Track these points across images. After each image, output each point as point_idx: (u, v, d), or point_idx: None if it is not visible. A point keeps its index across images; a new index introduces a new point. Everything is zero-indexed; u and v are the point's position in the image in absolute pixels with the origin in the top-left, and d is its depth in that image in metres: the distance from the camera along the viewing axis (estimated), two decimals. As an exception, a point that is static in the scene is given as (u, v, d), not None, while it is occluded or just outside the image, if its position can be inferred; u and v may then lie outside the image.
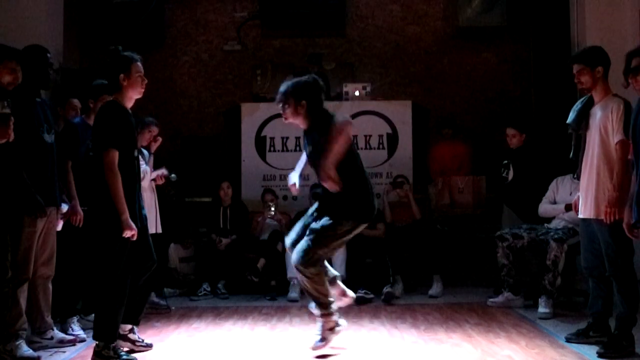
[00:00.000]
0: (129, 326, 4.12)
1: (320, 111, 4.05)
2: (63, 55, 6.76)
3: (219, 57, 8.21)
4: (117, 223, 3.72)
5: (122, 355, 3.83)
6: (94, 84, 4.90)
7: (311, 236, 3.96)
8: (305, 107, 4.01)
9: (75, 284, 4.68)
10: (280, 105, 4.09)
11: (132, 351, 4.05)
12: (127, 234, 3.74)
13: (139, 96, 3.96)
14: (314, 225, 4.01)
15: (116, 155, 3.76)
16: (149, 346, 4.21)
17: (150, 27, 7.68)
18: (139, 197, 4.00)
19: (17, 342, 3.87)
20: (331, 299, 4.09)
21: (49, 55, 4.22)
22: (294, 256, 4.01)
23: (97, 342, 3.80)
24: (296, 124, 4.15)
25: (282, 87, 4.10)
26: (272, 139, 7.18)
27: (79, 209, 4.56)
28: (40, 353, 4.02)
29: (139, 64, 3.92)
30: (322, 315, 4.07)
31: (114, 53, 3.90)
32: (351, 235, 4.07)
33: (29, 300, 4.07)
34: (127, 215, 3.74)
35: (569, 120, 4.23)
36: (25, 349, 3.90)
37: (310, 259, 3.94)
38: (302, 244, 3.99)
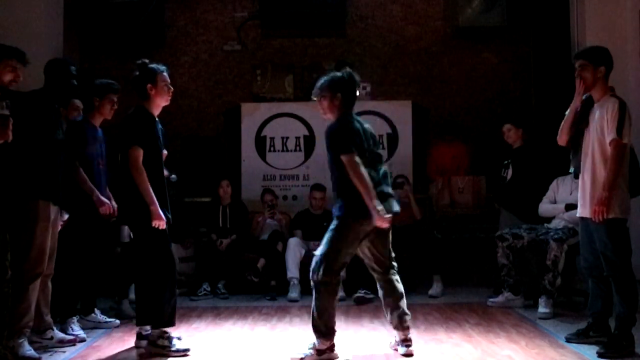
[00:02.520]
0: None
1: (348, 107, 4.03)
2: (63, 55, 6.75)
3: (219, 57, 8.21)
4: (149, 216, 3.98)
5: (173, 346, 4.01)
6: (99, 83, 4.91)
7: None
8: (340, 100, 3.99)
9: (75, 284, 4.68)
10: (317, 99, 4.08)
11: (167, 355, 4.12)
12: (156, 223, 3.99)
13: (166, 103, 4.25)
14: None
15: (140, 153, 4.01)
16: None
17: (150, 27, 7.68)
18: (168, 201, 4.20)
19: (20, 340, 3.87)
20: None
21: (72, 67, 4.35)
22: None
23: (152, 332, 4.01)
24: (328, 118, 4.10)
25: (319, 81, 4.09)
26: (272, 139, 7.18)
27: (103, 198, 4.67)
28: (40, 353, 4.01)
29: (165, 74, 4.21)
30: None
31: (141, 66, 4.16)
32: (357, 237, 3.93)
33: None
34: (156, 205, 4.02)
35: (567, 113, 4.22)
36: (27, 349, 3.90)
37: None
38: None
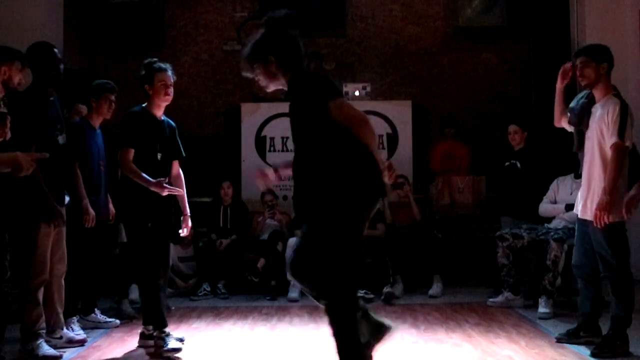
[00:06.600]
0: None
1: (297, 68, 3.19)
2: (63, 55, 6.74)
3: (219, 57, 8.22)
4: (142, 214, 4.03)
5: (167, 345, 4.00)
6: (95, 84, 4.91)
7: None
8: (275, 64, 3.19)
9: (76, 283, 4.68)
10: (248, 72, 3.31)
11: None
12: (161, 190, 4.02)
13: (166, 103, 4.20)
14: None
15: (130, 153, 4.01)
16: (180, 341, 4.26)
17: (150, 27, 7.69)
18: (168, 200, 4.20)
19: (38, 342, 3.90)
20: None
21: (55, 50, 4.19)
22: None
23: (145, 327, 4.11)
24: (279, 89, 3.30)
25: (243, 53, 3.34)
26: (272, 139, 7.18)
27: (91, 209, 4.59)
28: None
29: (163, 73, 4.13)
30: None
31: (144, 66, 4.14)
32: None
33: (43, 299, 4.07)
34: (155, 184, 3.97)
35: (572, 105, 4.17)
36: (46, 348, 3.92)
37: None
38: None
